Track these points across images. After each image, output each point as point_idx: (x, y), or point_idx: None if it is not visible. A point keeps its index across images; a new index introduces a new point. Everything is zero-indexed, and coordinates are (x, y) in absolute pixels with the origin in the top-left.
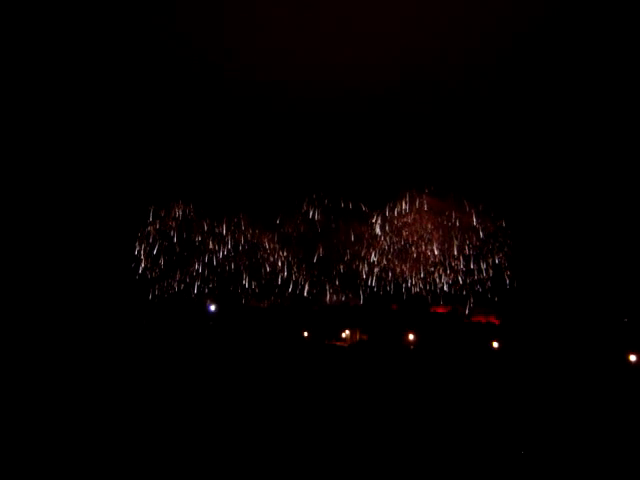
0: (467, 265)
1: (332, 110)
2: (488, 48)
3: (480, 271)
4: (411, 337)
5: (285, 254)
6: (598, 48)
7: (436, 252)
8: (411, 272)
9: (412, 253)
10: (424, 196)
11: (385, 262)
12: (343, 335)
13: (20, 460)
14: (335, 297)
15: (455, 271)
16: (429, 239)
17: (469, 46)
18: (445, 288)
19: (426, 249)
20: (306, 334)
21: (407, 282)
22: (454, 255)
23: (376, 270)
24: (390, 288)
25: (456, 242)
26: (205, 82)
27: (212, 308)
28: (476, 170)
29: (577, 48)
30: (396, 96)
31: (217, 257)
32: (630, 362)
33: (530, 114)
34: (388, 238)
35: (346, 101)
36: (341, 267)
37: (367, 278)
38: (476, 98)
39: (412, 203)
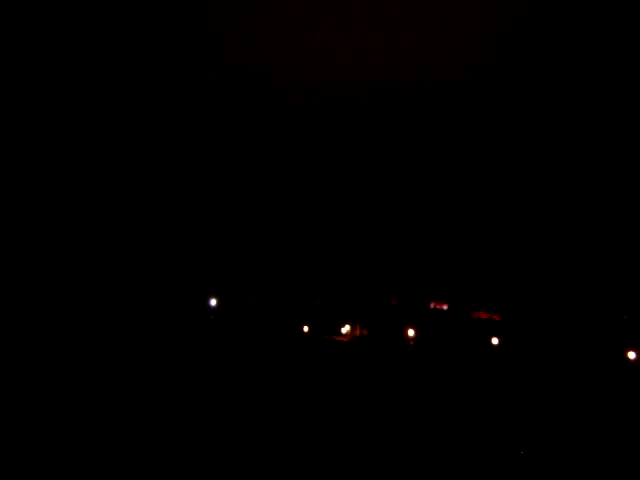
0: (468, 260)
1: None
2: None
3: (481, 266)
4: (411, 333)
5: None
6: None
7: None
8: (411, 265)
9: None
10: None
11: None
12: (343, 330)
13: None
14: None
15: (456, 266)
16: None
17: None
18: (446, 283)
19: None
20: (306, 329)
21: (407, 276)
22: (455, 248)
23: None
24: (390, 281)
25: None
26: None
27: (212, 302)
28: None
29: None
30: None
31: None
32: (629, 359)
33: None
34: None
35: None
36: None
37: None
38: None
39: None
